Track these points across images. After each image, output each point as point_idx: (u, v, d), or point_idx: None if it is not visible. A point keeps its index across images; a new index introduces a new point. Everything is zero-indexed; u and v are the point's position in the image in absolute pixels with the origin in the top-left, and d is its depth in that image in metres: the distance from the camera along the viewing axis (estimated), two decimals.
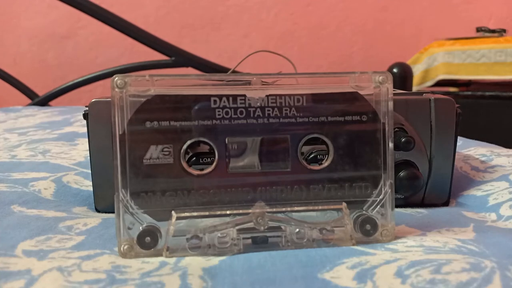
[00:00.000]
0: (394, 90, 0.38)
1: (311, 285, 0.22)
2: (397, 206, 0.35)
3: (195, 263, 0.24)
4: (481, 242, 0.26)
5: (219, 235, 0.26)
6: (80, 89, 1.07)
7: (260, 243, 0.26)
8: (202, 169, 0.27)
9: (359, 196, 0.27)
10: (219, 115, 0.26)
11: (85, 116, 0.33)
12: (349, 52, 1.48)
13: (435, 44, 1.21)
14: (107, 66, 1.05)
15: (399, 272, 0.23)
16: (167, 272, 0.23)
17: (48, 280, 0.22)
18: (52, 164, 0.44)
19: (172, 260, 0.25)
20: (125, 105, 0.25)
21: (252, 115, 0.27)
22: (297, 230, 0.26)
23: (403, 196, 0.35)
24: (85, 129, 0.36)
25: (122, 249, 0.25)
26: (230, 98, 0.26)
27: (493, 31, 1.19)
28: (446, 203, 0.36)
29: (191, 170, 0.27)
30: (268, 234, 0.26)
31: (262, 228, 0.26)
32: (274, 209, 0.26)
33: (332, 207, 0.27)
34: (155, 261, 0.25)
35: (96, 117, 0.33)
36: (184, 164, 0.26)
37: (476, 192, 0.38)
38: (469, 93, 1.15)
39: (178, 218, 0.26)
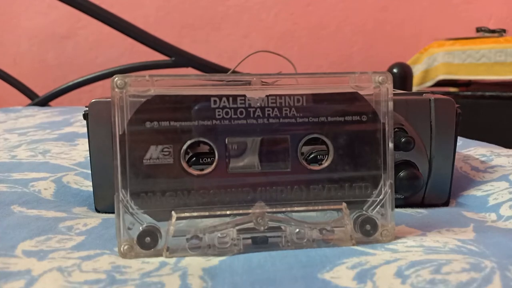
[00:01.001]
0: (394, 90, 0.38)
1: (311, 285, 0.22)
2: (397, 206, 0.35)
3: (195, 263, 0.24)
4: (481, 242, 0.26)
5: (219, 235, 0.26)
6: (80, 89, 1.07)
7: (260, 243, 0.26)
8: (202, 169, 0.27)
9: (359, 196, 0.27)
10: (219, 115, 0.26)
11: (85, 116, 0.33)
12: (349, 52, 1.48)
13: (435, 44, 1.21)
14: (107, 66, 1.05)
15: (399, 272, 0.23)
16: (167, 272, 0.23)
17: (48, 280, 0.22)
18: (52, 164, 0.44)
19: (172, 260, 0.25)
20: (125, 105, 0.25)
21: (252, 115, 0.27)
22: (297, 230, 0.26)
23: (403, 196, 0.35)
24: (85, 129, 0.36)
25: (122, 249, 0.25)
26: (230, 98, 0.26)
27: (493, 31, 1.19)
28: (446, 203, 0.36)
29: (191, 170, 0.27)
30: (268, 234, 0.26)
31: (262, 228, 0.26)
32: (274, 209, 0.27)
33: (332, 207, 0.27)
34: (155, 261, 0.25)
35: (96, 117, 0.33)
36: (184, 164, 0.26)
37: (476, 192, 0.38)
38: (469, 93, 1.15)
39: (178, 218, 0.26)
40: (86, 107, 0.33)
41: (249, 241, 0.26)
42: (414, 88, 1.17)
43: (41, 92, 1.12)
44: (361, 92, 0.27)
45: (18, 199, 0.35)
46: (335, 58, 1.47)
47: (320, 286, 0.22)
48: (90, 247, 0.26)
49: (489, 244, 0.26)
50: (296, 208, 0.27)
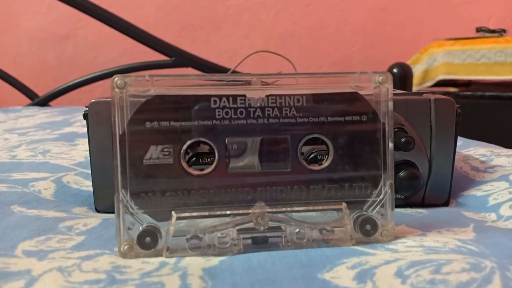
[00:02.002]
0: (394, 90, 0.38)
1: (311, 285, 0.22)
2: (397, 206, 0.35)
3: (195, 263, 0.24)
4: (481, 242, 0.26)
5: (219, 235, 0.26)
6: (80, 89, 1.07)
7: (260, 243, 0.26)
8: (202, 169, 0.27)
9: (359, 196, 0.27)
10: (219, 115, 0.26)
11: (85, 116, 0.33)
12: (349, 52, 1.48)
13: (435, 44, 1.21)
14: (107, 66, 1.05)
15: (399, 272, 0.23)
16: (167, 272, 0.23)
17: (48, 280, 0.22)
18: (52, 164, 0.44)
19: (172, 260, 0.25)
20: (125, 105, 0.25)
21: (252, 115, 0.27)
22: (297, 230, 0.26)
23: (403, 196, 0.35)
24: (85, 129, 0.37)
25: (122, 249, 0.25)
26: (230, 98, 0.26)
27: (493, 31, 1.19)
28: (446, 203, 0.36)
29: (191, 170, 0.27)
30: (268, 234, 0.26)
31: (262, 228, 0.26)
32: (274, 209, 0.27)
33: (332, 207, 0.27)
34: (155, 261, 0.25)
35: (96, 117, 0.33)
36: (184, 164, 0.26)
37: (476, 192, 0.38)
38: (469, 93, 1.15)
39: (178, 218, 0.26)
40: (86, 107, 0.33)
41: (249, 241, 0.26)
42: (414, 88, 1.17)
43: (41, 92, 1.12)
44: (361, 92, 0.27)
45: (18, 199, 0.35)
46: (335, 58, 1.47)
47: (320, 286, 0.22)
48: (90, 247, 0.26)
49: (489, 244, 0.26)
50: (296, 208, 0.27)
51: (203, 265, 0.24)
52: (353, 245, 0.26)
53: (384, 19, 1.46)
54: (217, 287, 0.22)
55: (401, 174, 0.33)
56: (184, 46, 1.02)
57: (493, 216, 0.34)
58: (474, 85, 1.21)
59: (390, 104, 0.27)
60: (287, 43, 1.44)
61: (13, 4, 1.38)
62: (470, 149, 0.48)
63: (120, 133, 0.25)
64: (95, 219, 0.31)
